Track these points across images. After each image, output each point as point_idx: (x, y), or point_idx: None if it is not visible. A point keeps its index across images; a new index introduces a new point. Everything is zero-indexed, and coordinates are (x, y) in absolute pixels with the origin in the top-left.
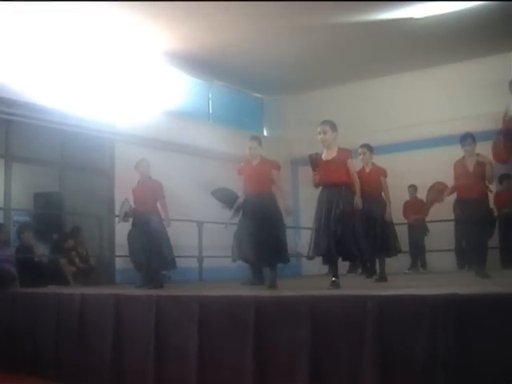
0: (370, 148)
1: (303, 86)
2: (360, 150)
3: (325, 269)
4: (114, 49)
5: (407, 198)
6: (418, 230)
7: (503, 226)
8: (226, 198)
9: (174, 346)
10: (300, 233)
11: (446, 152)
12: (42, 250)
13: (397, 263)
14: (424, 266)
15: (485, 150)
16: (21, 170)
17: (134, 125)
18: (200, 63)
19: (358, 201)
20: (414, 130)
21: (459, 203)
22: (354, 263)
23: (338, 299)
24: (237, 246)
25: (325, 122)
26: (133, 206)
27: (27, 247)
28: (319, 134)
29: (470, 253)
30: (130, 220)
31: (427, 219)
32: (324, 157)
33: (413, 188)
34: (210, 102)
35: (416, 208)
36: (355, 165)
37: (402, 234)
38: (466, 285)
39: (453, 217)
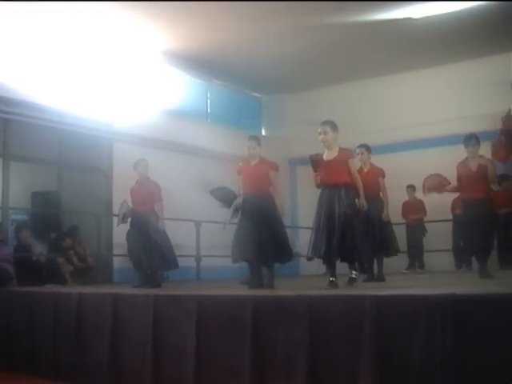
0: (368, 148)
1: (302, 85)
2: (358, 150)
3: (323, 269)
4: (113, 48)
5: (406, 198)
6: (417, 230)
7: (502, 226)
8: (225, 198)
9: (172, 345)
10: (298, 233)
11: (445, 152)
12: (39, 249)
13: (394, 263)
14: (422, 266)
15: (484, 149)
16: (19, 168)
17: (132, 124)
18: (199, 63)
19: (362, 202)
20: (414, 130)
21: (462, 203)
22: (352, 265)
23: (335, 299)
24: (237, 246)
25: (325, 123)
26: (131, 206)
27: (25, 246)
28: (320, 134)
29: (468, 253)
30: (129, 220)
31: (425, 219)
32: (325, 157)
33: (411, 188)
34: (209, 101)
35: (415, 208)
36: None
37: (401, 234)
38: (464, 285)
39: (450, 217)
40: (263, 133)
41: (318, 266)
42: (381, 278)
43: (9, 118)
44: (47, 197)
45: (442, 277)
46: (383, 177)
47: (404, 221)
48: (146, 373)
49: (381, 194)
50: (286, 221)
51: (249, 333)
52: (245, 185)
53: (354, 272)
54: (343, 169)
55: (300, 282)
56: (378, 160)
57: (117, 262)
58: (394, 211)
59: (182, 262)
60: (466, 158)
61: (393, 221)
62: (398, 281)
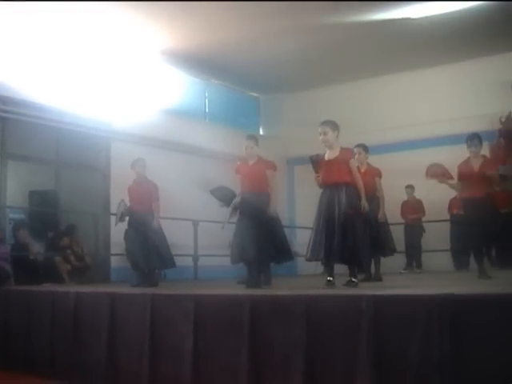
0: (365, 148)
1: (300, 85)
2: (356, 150)
3: (320, 268)
4: (111, 47)
5: (405, 198)
6: (415, 230)
7: (499, 226)
8: (225, 197)
9: (169, 344)
10: (295, 232)
11: (445, 152)
12: (37, 248)
13: (392, 263)
14: (419, 266)
15: (483, 150)
16: (16, 167)
17: (130, 123)
18: (197, 62)
19: (363, 203)
20: (413, 130)
21: (463, 203)
22: (353, 269)
23: (333, 299)
24: (236, 247)
25: (324, 123)
26: (128, 204)
27: (22, 245)
28: (320, 135)
29: (468, 253)
30: (127, 219)
31: (424, 219)
32: (326, 157)
33: (410, 188)
34: (207, 100)
35: (414, 208)
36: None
37: (399, 234)
38: (462, 285)
39: (448, 217)
40: (261, 132)
41: (315, 265)
42: (378, 278)
43: (6, 117)
44: (45, 196)
45: (439, 277)
46: (380, 177)
47: (402, 221)
48: (143, 372)
49: (377, 194)
50: (284, 220)
51: (246, 332)
52: (243, 184)
53: (353, 279)
54: (344, 168)
55: (297, 281)
56: (377, 160)
57: (114, 262)
58: (393, 211)
59: (179, 261)
60: (468, 158)
61: (392, 221)
62: (395, 281)
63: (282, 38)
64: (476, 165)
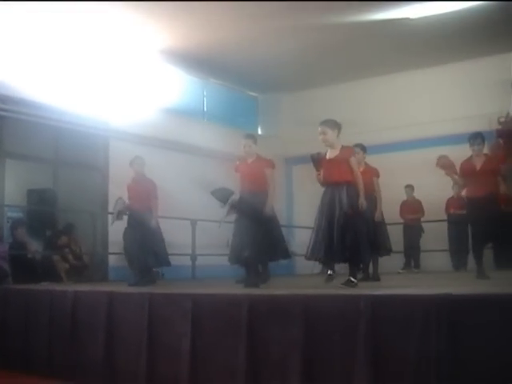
0: (363, 148)
1: (298, 84)
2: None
3: (318, 268)
4: (110, 46)
5: (404, 197)
6: (414, 231)
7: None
8: (226, 198)
9: (167, 343)
10: (293, 231)
11: (445, 152)
12: (35, 247)
13: (390, 263)
14: (417, 266)
15: (484, 150)
16: (14, 166)
17: (128, 122)
18: (196, 61)
19: (361, 201)
20: (412, 130)
21: (466, 202)
22: (353, 269)
23: (331, 299)
24: (235, 248)
25: (324, 122)
26: (127, 202)
27: (20, 244)
28: (319, 134)
29: (466, 252)
30: (125, 218)
31: (422, 219)
32: (328, 156)
33: (410, 188)
34: (205, 100)
35: (413, 208)
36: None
37: (398, 234)
38: (460, 285)
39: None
40: (259, 132)
41: (313, 265)
42: (376, 278)
43: (5, 116)
44: (43, 194)
45: (437, 277)
46: (377, 177)
47: (401, 220)
48: (140, 371)
49: (375, 193)
50: (282, 219)
51: (244, 332)
52: (242, 182)
53: (352, 279)
54: (345, 167)
55: (295, 281)
56: (376, 159)
57: (112, 260)
58: (391, 211)
59: (177, 260)
60: (471, 156)
61: (391, 220)
62: (393, 281)
63: (280, 38)
64: (478, 163)
